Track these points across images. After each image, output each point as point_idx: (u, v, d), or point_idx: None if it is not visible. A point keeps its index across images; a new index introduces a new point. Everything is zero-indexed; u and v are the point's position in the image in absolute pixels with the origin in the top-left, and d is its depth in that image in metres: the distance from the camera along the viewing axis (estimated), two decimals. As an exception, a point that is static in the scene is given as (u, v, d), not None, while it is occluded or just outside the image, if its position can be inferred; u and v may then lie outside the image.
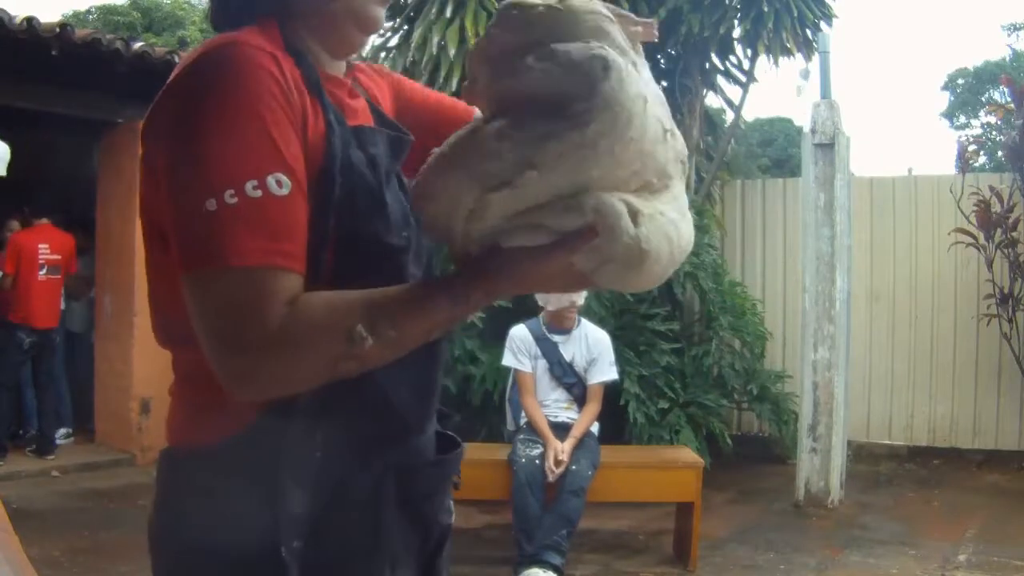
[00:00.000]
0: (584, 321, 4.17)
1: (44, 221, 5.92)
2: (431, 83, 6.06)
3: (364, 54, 7.02)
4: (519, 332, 4.08)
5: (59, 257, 5.92)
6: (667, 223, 0.84)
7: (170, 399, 1.06)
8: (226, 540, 0.91)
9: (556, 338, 4.06)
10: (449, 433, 1.12)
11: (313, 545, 0.93)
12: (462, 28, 5.92)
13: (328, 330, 0.84)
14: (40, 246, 5.82)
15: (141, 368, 6.04)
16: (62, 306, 6.18)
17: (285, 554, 0.90)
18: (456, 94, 4.51)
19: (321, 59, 1.00)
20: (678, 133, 0.85)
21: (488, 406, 4.67)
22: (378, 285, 0.88)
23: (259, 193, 0.83)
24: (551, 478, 3.77)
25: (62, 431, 6.10)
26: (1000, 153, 10.32)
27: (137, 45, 5.64)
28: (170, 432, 1.03)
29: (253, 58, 0.88)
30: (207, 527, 0.93)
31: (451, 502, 1.12)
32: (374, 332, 0.83)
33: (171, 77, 0.95)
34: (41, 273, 5.80)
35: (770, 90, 58.10)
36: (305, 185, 0.88)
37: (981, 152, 12.59)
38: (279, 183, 0.85)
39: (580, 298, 3.99)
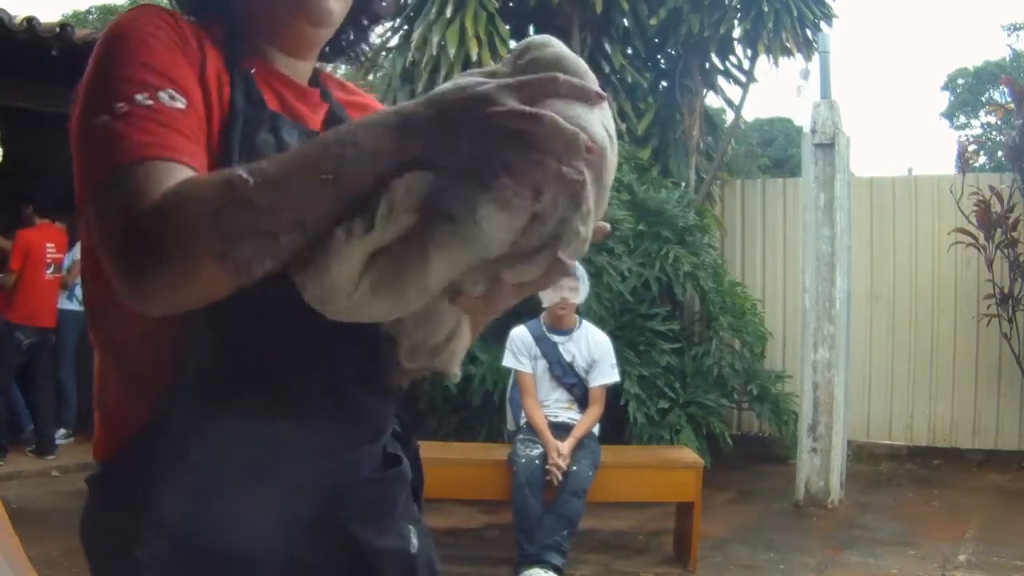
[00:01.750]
0: (585, 322, 4.17)
1: (47, 221, 5.92)
2: (431, 83, 6.06)
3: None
4: (519, 333, 4.09)
5: (61, 256, 5.93)
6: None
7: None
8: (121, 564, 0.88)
9: (556, 338, 4.06)
10: (396, 453, 1.01)
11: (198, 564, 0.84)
12: (462, 28, 5.93)
13: (205, 189, 0.73)
14: (48, 245, 5.82)
15: (141, 368, 6.05)
16: (76, 306, 6.17)
17: None
18: None
19: (273, 57, 0.96)
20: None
21: (488, 406, 4.67)
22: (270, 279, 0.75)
23: (150, 102, 0.79)
24: (554, 482, 3.77)
25: (61, 431, 6.08)
26: (1000, 153, 10.32)
27: (137, 45, 5.64)
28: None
29: (147, 9, 0.86)
30: (108, 544, 0.92)
31: (412, 527, 1.00)
32: (252, 173, 0.71)
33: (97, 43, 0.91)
34: (48, 272, 5.79)
35: (770, 90, 58.13)
36: (204, 122, 0.83)
37: (981, 152, 12.61)
38: (172, 97, 0.80)
39: (574, 296, 3.99)
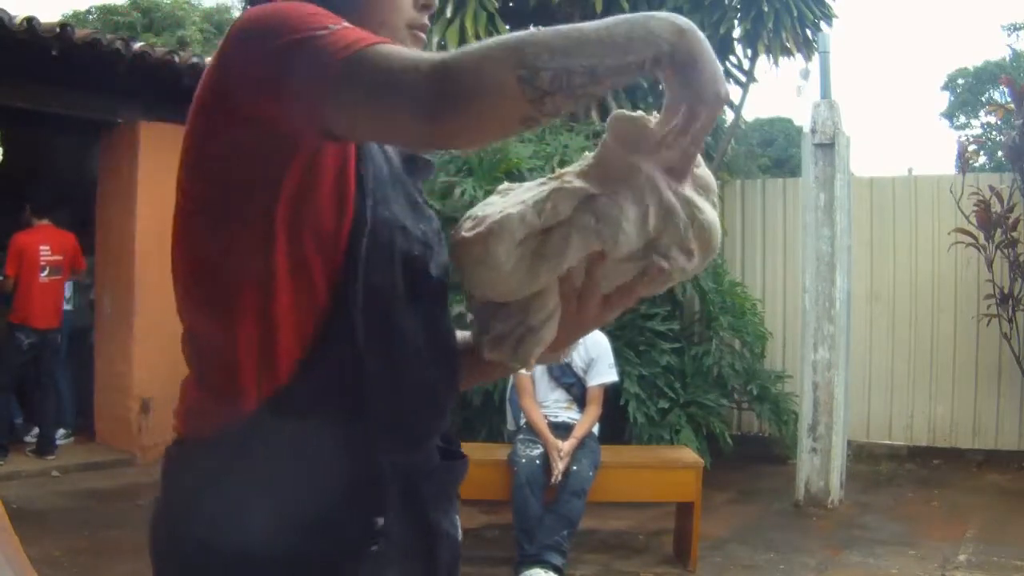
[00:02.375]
0: (583, 322, 4.17)
1: (45, 222, 5.91)
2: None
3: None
4: (518, 333, 4.07)
5: (60, 258, 5.89)
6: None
7: (181, 390, 1.07)
8: (231, 531, 0.92)
9: (555, 338, 4.05)
10: (453, 448, 1.12)
11: (309, 541, 0.92)
12: (462, 28, 5.93)
13: (502, 39, 0.83)
14: (41, 248, 5.79)
15: (141, 368, 6.04)
16: (67, 306, 6.16)
17: (283, 548, 0.91)
18: None
19: None
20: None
21: (488, 406, 4.67)
22: (402, 281, 0.96)
23: (347, 24, 0.87)
24: (554, 480, 3.77)
25: (60, 431, 6.07)
26: (1000, 153, 10.31)
27: (137, 45, 5.64)
28: (179, 423, 1.05)
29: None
30: (214, 518, 0.93)
31: (457, 517, 1.11)
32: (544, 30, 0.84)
33: (228, 35, 0.95)
34: (43, 275, 5.77)
35: (770, 90, 58.12)
36: None
37: (981, 152, 12.61)
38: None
39: None
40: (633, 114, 0.93)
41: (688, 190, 0.97)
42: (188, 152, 1.02)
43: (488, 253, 0.94)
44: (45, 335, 5.82)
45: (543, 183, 0.98)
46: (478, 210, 1.01)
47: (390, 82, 0.81)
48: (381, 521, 0.95)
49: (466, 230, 0.97)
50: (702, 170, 1.00)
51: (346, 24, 0.86)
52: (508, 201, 0.99)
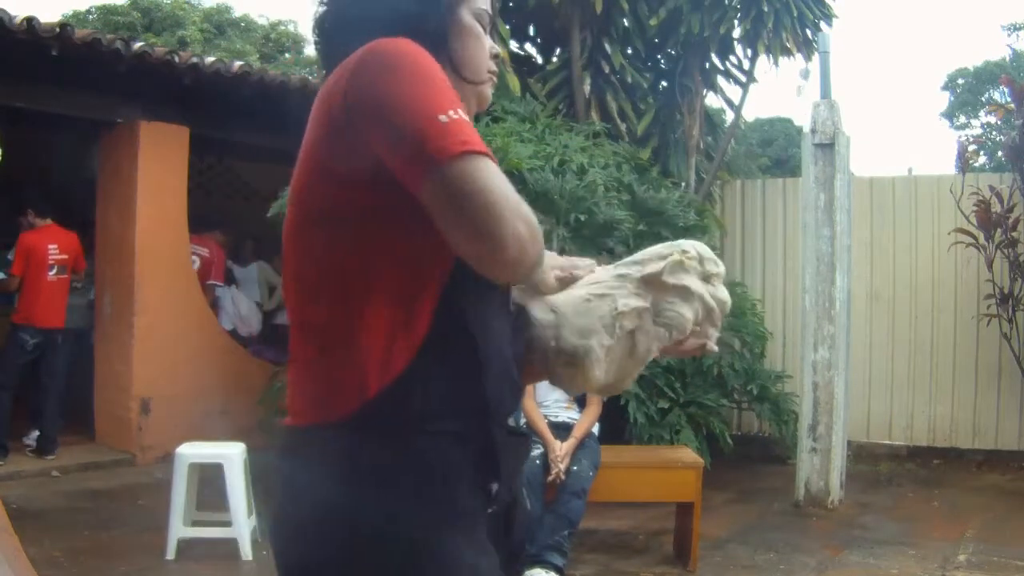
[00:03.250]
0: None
1: (49, 221, 5.91)
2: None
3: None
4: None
5: (67, 256, 5.90)
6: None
7: (293, 379, 1.13)
8: (379, 502, 1.02)
9: (556, 338, 4.05)
10: (518, 429, 1.29)
11: (442, 507, 1.04)
12: (462, 28, 5.92)
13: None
14: (50, 247, 5.80)
15: (141, 368, 6.04)
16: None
17: (422, 515, 1.03)
18: None
19: None
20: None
21: (488, 406, 4.67)
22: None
23: (463, 115, 1.01)
24: (552, 478, 3.77)
25: (35, 434, 5.94)
26: (1000, 153, 10.33)
27: (137, 45, 5.63)
28: (302, 410, 1.10)
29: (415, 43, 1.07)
30: (362, 493, 1.03)
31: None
32: None
33: (355, 60, 1.05)
34: (51, 274, 5.78)
35: (770, 90, 58.11)
36: None
37: (981, 152, 12.60)
38: (463, 114, 1.02)
39: None
40: (681, 259, 1.29)
41: (716, 283, 1.34)
42: (319, 162, 1.07)
43: (588, 378, 1.23)
44: (49, 334, 5.82)
45: (597, 284, 1.28)
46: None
47: (490, 214, 0.97)
48: (496, 487, 1.09)
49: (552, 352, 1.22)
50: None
51: (462, 112, 1.01)
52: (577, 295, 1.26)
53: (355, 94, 1.02)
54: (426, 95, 1.00)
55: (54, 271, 5.79)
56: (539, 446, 3.85)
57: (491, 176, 0.98)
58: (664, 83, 7.08)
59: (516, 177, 4.88)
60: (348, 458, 1.04)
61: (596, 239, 4.89)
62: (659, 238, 5.59)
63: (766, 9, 6.20)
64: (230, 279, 7.63)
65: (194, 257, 6.75)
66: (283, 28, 21.16)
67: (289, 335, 1.14)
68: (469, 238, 0.98)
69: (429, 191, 0.98)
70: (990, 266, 5.99)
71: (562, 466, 3.78)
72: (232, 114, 6.36)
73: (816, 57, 6.01)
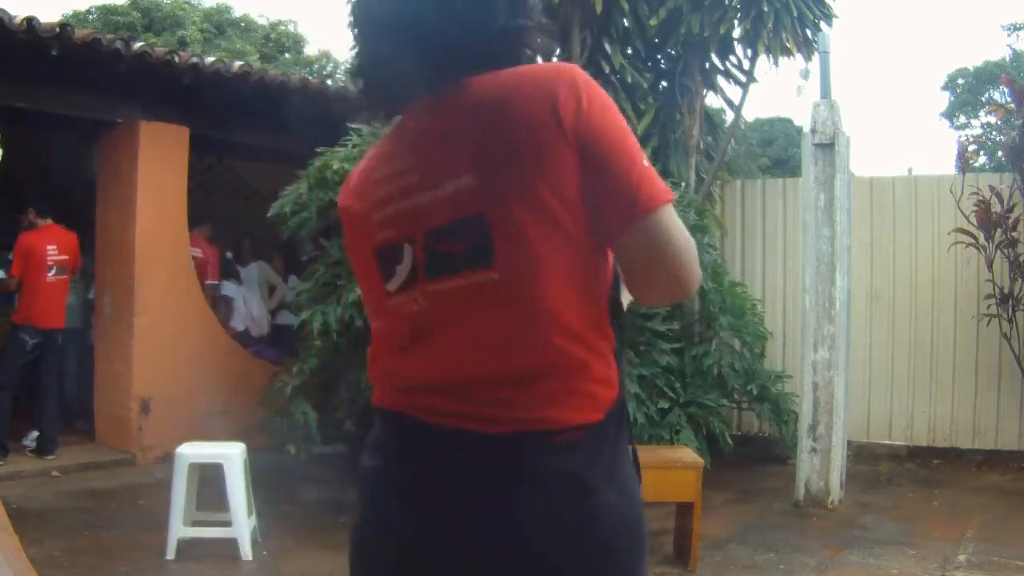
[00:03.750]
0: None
1: (49, 221, 5.91)
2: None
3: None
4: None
5: (66, 257, 5.90)
6: None
7: (542, 388, 1.11)
8: (638, 492, 1.18)
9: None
10: None
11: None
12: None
13: None
14: (48, 247, 5.80)
15: (141, 368, 6.04)
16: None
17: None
18: None
19: None
20: None
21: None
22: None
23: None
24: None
25: (34, 434, 5.95)
26: (1000, 153, 10.32)
27: (137, 45, 5.64)
28: (554, 417, 1.10)
29: None
30: (634, 488, 1.17)
31: None
32: None
33: (569, 84, 1.10)
34: (50, 274, 5.78)
35: (770, 90, 58.11)
36: None
37: (981, 152, 12.59)
38: None
39: None
40: None
41: None
42: (539, 183, 1.09)
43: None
44: (50, 335, 5.82)
45: None
46: None
47: (673, 260, 1.11)
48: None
49: None
50: None
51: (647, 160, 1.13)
52: None
53: (583, 121, 1.07)
54: (632, 137, 1.10)
55: (53, 272, 5.79)
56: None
57: (680, 222, 1.11)
58: (664, 83, 7.08)
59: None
60: (620, 453, 1.17)
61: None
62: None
63: (766, 9, 6.20)
64: (237, 278, 7.65)
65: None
66: (283, 28, 21.17)
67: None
68: (667, 273, 1.12)
69: (639, 232, 1.08)
70: (990, 266, 5.99)
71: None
72: (232, 114, 6.36)
73: (816, 57, 6.01)
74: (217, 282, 7.13)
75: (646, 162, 1.09)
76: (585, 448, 1.10)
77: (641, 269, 1.11)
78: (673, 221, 1.09)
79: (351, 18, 1.21)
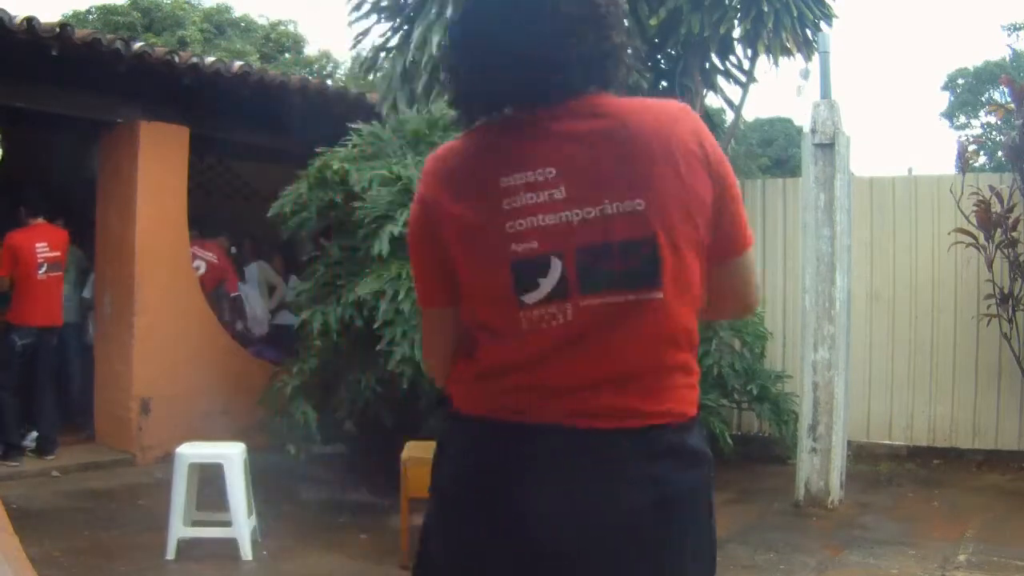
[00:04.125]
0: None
1: (40, 220, 5.88)
2: (431, 83, 6.06)
3: (364, 54, 6.82)
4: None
5: (58, 254, 5.87)
6: None
7: (667, 383, 1.25)
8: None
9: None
10: None
11: None
12: (462, 28, 5.91)
13: None
14: (38, 245, 5.76)
15: (141, 368, 6.04)
16: None
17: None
18: None
19: None
20: None
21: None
22: None
23: None
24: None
25: (34, 435, 5.94)
26: (1000, 153, 10.32)
27: (137, 45, 5.64)
28: (678, 405, 1.26)
29: None
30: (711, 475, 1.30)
31: None
32: None
33: (696, 125, 1.25)
34: (41, 272, 5.76)
35: (770, 90, 58.09)
36: None
37: (981, 152, 12.60)
38: None
39: None
40: None
41: None
42: (696, 216, 1.24)
43: None
44: (42, 334, 5.80)
45: None
46: None
47: (752, 288, 1.40)
48: None
49: None
50: None
51: None
52: None
53: (717, 161, 1.24)
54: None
55: (44, 269, 5.74)
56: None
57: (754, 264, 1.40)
58: (664, 83, 7.07)
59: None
60: (703, 446, 1.29)
61: (596, 239, 4.89)
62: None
63: (766, 9, 6.19)
64: (240, 277, 7.68)
65: (199, 262, 6.77)
66: (283, 28, 21.18)
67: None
68: (746, 298, 1.39)
69: (739, 266, 1.33)
70: (990, 266, 5.99)
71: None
72: (232, 114, 6.36)
73: (816, 57, 6.00)
74: (237, 293, 7.22)
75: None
76: (697, 430, 1.29)
77: (729, 291, 1.34)
78: (754, 258, 1.37)
79: (456, 31, 1.31)
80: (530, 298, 1.20)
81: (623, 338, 1.20)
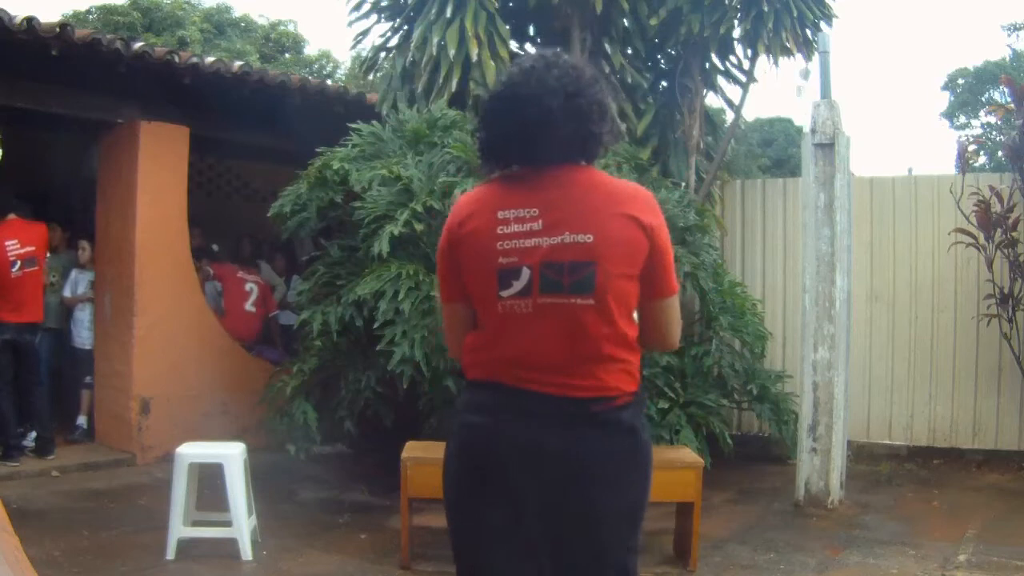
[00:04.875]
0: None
1: (11, 216, 5.73)
2: (431, 83, 6.06)
3: (364, 53, 6.80)
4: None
5: (32, 248, 5.74)
6: None
7: (612, 367, 1.76)
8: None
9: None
10: None
11: None
12: (462, 28, 5.92)
13: None
14: (8, 243, 5.63)
15: (141, 368, 6.04)
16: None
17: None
18: (456, 94, 4.64)
19: None
20: None
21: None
22: None
23: None
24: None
25: (33, 435, 5.91)
26: (1000, 153, 10.32)
27: (137, 45, 5.64)
28: (616, 385, 1.77)
29: None
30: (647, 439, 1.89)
31: None
32: None
33: (645, 200, 1.78)
34: (15, 269, 5.63)
35: (770, 90, 58.08)
36: None
37: (981, 152, 12.61)
38: None
39: None
40: None
41: None
42: (628, 257, 1.75)
43: None
44: (22, 330, 5.70)
45: None
46: None
47: (676, 328, 1.89)
48: None
49: None
50: None
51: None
52: None
53: (652, 227, 1.74)
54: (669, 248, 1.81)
55: (18, 266, 5.65)
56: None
57: (678, 306, 1.88)
58: (664, 83, 7.07)
59: (516, 177, 4.87)
60: (630, 420, 1.81)
61: (596, 239, 4.88)
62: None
63: (766, 9, 6.20)
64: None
65: (250, 285, 7.09)
66: (283, 28, 21.16)
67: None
68: (666, 336, 1.87)
69: (660, 306, 1.82)
70: (990, 266, 5.99)
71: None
72: (232, 114, 6.37)
73: (816, 57, 6.00)
74: (278, 311, 7.39)
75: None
76: (633, 405, 1.80)
77: (653, 325, 1.83)
78: (677, 304, 1.87)
79: (490, 102, 1.83)
80: (506, 293, 1.73)
81: (571, 329, 1.72)
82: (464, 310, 1.84)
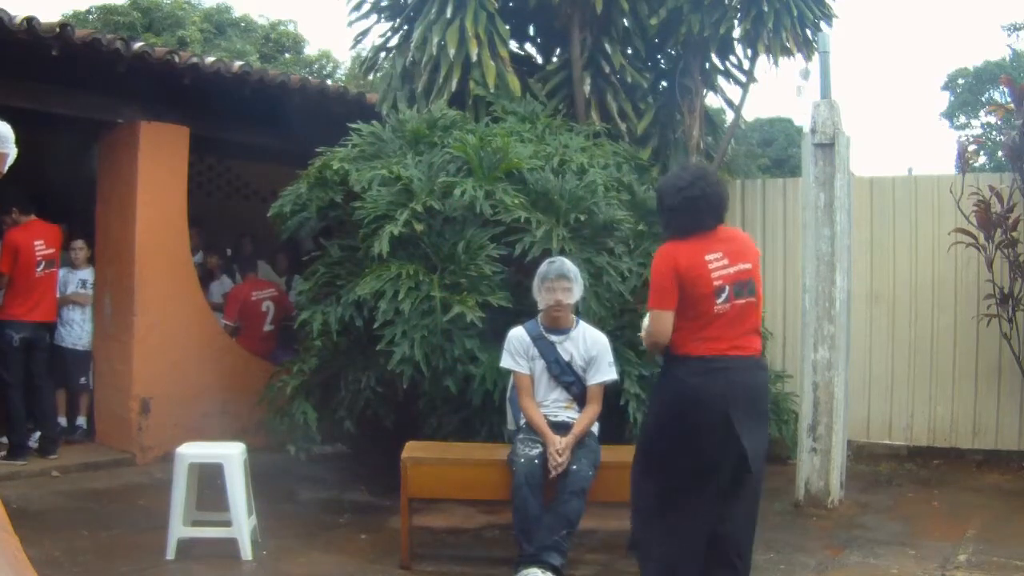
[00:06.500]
0: (582, 323, 4.16)
1: (33, 217, 5.87)
2: (431, 83, 6.06)
3: (364, 53, 6.83)
4: (516, 334, 4.08)
5: (53, 251, 5.91)
6: None
7: (756, 338, 3.18)
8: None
9: (553, 338, 4.05)
10: None
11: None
12: (462, 28, 5.92)
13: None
14: (36, 243, 5.79)
15: (141, 368, 6.04)
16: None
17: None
18: (456, 94, 4.69)
19: None
20: None
21: (488, 406, 4.66)
22: None
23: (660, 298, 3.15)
24: (552, 474, 3.77)
25: (37, 434, 5.92)
26: (1000, 153, 10.32)
27: (137, 45, 5.64)
28: (760, 348, 3.21)
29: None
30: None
31: None
32: None
33: (750, 240, 3.34)
34: (39, 269, 5.77)
35: (770, 90, 58.10)
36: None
37: (981, 152, 12.59)
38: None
39: (568, 296, 3.99)
40: None
41: None
42: (759, 275, 3.24)
43: None
44: (38, 330, 5.77)
45: None
46: None
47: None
48: None
49: None
50: None
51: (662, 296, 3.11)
52: None
53: (756, 256, 3.25)
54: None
55: (42, 266, 5.78)
56: (539, 445, 3.85)
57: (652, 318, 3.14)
58: (664, 83, 7.08)
59: (516, 177, 4.88)
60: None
61: (596, 239, 4.89)
62: (659, 238, 5.59)
63: (766, 9, 6.20)
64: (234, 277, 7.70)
65: (267, 304, 7.05)
66: (283, 28, 21.17)
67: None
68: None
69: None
70: (990, 266, 5.99)
71: (561, 459, 3.78)
72: (232, 114, 6.37)
73: (816, 57, 6.00)
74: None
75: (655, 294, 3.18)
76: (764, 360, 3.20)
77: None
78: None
79: (677, 199, 3.12)
80: (719, 300, 3.02)
81: (749, 316, 3.08)
82: (672, 316, 3.05)
